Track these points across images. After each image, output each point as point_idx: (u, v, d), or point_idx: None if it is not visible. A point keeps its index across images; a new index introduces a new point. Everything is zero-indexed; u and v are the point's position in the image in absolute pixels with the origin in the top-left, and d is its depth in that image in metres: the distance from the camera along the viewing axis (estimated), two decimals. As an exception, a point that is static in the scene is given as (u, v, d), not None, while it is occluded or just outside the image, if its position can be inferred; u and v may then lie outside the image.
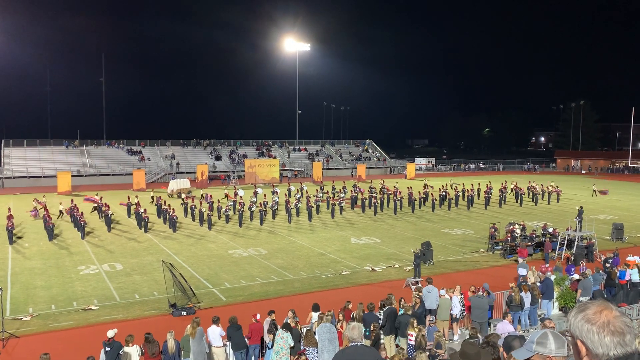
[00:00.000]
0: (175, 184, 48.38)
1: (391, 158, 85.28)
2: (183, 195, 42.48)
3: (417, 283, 19.42)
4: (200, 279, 21.20)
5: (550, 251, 24.32)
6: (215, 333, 12.84)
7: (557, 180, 57.66)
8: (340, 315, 13.77)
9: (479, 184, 45.55)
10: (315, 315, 13.80)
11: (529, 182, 47.33)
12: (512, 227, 27.37)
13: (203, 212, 33.24)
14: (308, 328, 13.06)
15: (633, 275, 17.88)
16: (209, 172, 61.24)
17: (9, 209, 31.82)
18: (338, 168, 74.20)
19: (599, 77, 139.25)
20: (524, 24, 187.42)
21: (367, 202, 39.45)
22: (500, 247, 25.72)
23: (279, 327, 12.56)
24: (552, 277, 17.37)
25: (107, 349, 11.72)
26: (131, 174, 56.31)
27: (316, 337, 12.20)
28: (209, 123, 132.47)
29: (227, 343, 12.98)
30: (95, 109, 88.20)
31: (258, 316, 13.34)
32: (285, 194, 41.52)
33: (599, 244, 25.58)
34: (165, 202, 36.40)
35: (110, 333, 11.96)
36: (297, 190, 44.11)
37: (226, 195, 42.39)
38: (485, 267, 23.46)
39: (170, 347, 12.04)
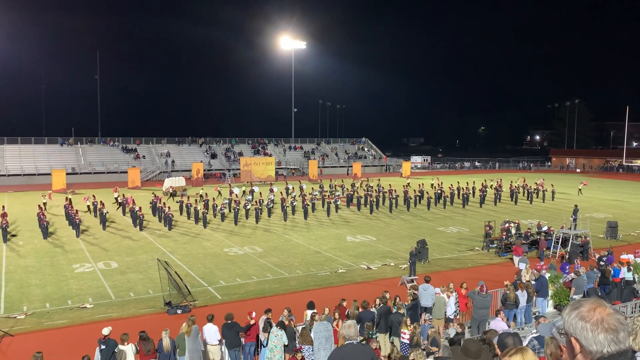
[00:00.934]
0: (170, 182, 48.26)
1: (387, 156, 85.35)
2: (178, 194, 42.37)
3: (412, 281, 19.46)
4: (195, 277, 21.17)
5: (545, 249, 24.43)
6: (211, 331, 12.83)
7: (553, 179, 57.88)
8: (336, 313, 13.78)
9: (473, 182, 45.71)
10: (310, 314, 13.80)
11: (523, 179, 47.49)
12: (507, 225, 27.47)
13: (198, 210, 33.19)
14: (303, 326, 13.06)
15: (627, 273, 17.96)
16: (205, 170, 61.12)
17: (3, 207, 31.67)
18: (334, 166, 74.20)
19: (594, 76, 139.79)
20: (519, 23, 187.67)
21: (362, 201, 39.48)
22: (495, 245, 25.80)
23: (273, 324, 12.56)
24: (547, 275, 17.44)
25: (102, 347, 11.69)
26: (126, 172, 56.17)
27: (312, 335, 12.21)
28: (205, 121, 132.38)
29: (223, 341, 12.97)
30: (90, 106, 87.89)
31: (253, 314, 13.32)
32: (282, 192, 41.49)
33: (593, 242, 25.68)
34: (160, 199, 36.33)
35: (106, 331, 11.93)
36: (293, 188, 44.10)
37: (219, 192, 42.44)
38: (480, 265, 23.53)
39: (166, 345, 12.03)
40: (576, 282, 16.77)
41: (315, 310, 13.67)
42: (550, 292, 17.13)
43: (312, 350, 12.07)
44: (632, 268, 18.42)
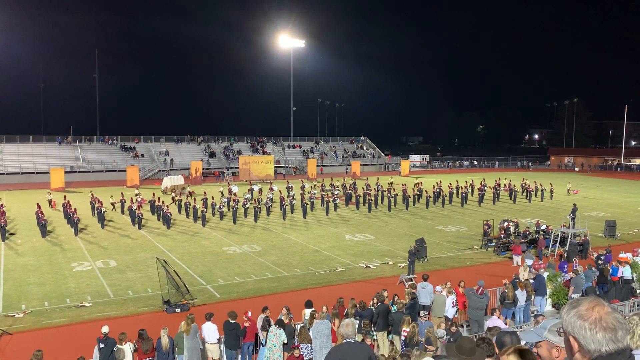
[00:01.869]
0: (169, 181, 48.25)
1: (385, 155, 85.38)
2: (174, 194, 42.25)
3: (410, 279, 19.48)
4: (194, 275, 21.17)
5: (543, 248, 24.45)
6: (210, 330, 12.83)
7: (551, 177, 57.93)
8: (334, 311, 13.79)
9: (472, 180, 45.71)
10: (309, 312, 13.81)
11: (523, 179, 47.51)
12: (505, 224, 27.49)
13: (197, 209, 33.18)
14: (302, 325, 13.07)
15: (625, 272, 17.99)
16: (203, 169, 61.09)
17: (2, 205, 31.64)
18: (332, 165, 74.21)
19: (593, 75, 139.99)
20: (519, 22, 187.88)
21: (361, 199, 39.48)
22: (494, 244, 25.82)
23: (272, 323, 12.56)
24: (545, 274, 17.47)
25: (101, 345, 11.69)
26: (125, 171, 56.13)
27: (311, 333, 12.21)
28: (203, 119, 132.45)
29: (222, 340, 12.96)
30: (89, 105, 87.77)
31: (249, 314, 13.31)
32: (280, 191, 41.43)
33: (592, 241, 25.71)
34: (159, 198, 36.32)
35: (105, 330, 11.93)
36: (292, 187, 44.06)
37: (222, 194, 42.43)
38: (479, 263, 23.55)
39: (164, 343, 12.02)
40: (575, 281, 16.79)
41: (314, 309, 13.67)
42: (548, 291, 17.15)
43: (311, 349, 12.07)
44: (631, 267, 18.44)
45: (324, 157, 75.85)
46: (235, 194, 38.72)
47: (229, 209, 35.36)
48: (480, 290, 14.69)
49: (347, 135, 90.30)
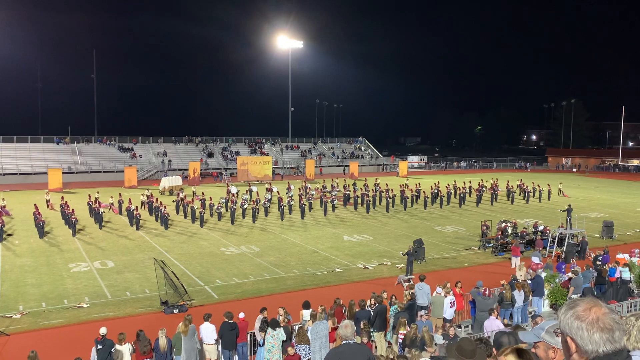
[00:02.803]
0: (167, 181, 48.19)
1: (383, 156, 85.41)
2: (175, 194, 42.29)
3: (409, 280, 19.49)
4: (192, 276, 21.15)
5: (541, 249, 24.47)
6: (208, 330, 12.82)
7: (549, 178, 58.00)
8: (330, 311, 13.78)
9: (470, 181, 45.72)
10: (306, 313, 13.80)
11: (520, 180, 47.54)
12: (503, 224, 27.52)
13: (195, 210, 33.15)
14: (300, 325, 13.06)
15: (624, 273, 18.03)
16: (201, 170, 61.01)
17: (4, 206, 31.56)
18: (331, 166, 74.17)
19: (590, 76, 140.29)
20: (516, 23, 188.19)
21: (359, 200, 39.48)
22: (492, 244, 25.84)
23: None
24: (543, 275, 17.49)
25: (99, 346, 11.67)
26: (122, 171, 56.03)
27: (308, 334, 12.21)
28: (201, 120, 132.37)
29: (219, 340, 12.95)
30: (87, 105, 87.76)
31: (241, 315, 13.28)
32: (278, 192, 41.40)
33: (589, 241, 25.74)
34: (157, 199, 36.27)
35: (103, 331, 11.91)
36: (290, 188, 44.01)
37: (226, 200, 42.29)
38: (477, 264, 23.58)
39: (162, 344, 12.01)
40: (575, 281, 16.84)
41: (313, 310, 13.65)
42: (546, 292, 17.18)
43: (309, 350, 12.07)
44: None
45: (322, 157, 75.85)
46: (233, 195, 38.67)
47: (227, 210, 35.33)
48: (487, 293, 14.69)
49: (345, 135, 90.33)
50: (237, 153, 70.06)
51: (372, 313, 13.87)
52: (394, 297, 14.74)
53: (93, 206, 33.56)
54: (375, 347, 13.55)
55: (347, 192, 41.37)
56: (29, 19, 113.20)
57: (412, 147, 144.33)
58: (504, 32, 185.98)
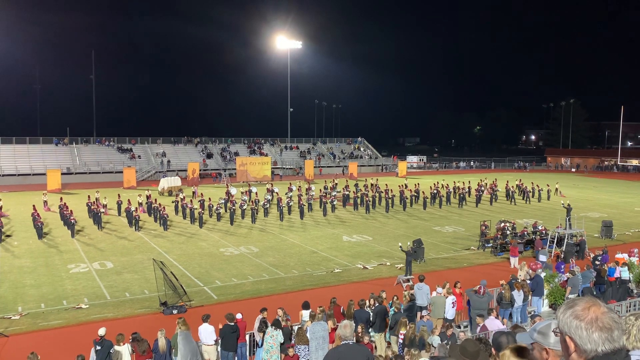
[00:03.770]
0: (166, 182, 48.17)
1: (382, 156, 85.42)
2: (174, 194, 42.25)
3: (408, 280, 19.49)
4: (191, 277, 21.13)
5: (540, 249, 24.46)
6: (207, 331, 12.80)
7: (548, 178, 58.02)
8: (329, 312, 13.77)
9: (469, 182, 45.74)
10: (306, 314, 13.79)
11: (519, 180, 47.53)
12: (502, 224, 27.53)
13: (194, 210, 33.12)
14: (299, 326, 13.05)
15: (623, 273, 18.04)
16: (200, 170, 61.00)
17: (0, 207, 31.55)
18: (330, 166, 74.19)
19: (589, 76, 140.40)
20: (515, 23, 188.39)
21: (359, 200, 39.46)
22: (491, 244, 25.85)
23: (269, 325, 12.54)
24: (542, 275, 17.50)
25: (98, 347, 11.66)
26: (121, 172, 56.00)
27: (307, 335, 12.20)
28: (200, 121, 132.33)
29: (219, 341, 12.93)
30: (85, 106, 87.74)
31: (238, 315, 13.26)
32: (277, 193, 41.37)
33: (588, 241, 25.77)
34: (156, 200, 36.24)
35: (102, 331, 11.90)
36: (290, 189, 44.00)
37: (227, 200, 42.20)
38: (476, 264, 23.58)
39: (161, 345, 11.99)
40: (572, 281, 16.84)
41: (311, 311, 13.64)
42: (545, 292, 17.19)
43: (308, 350, 12.06)
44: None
45: (321, 158, 75.86)
46: (232, 196, 38.65)
47: (226, 210, 35.32)
48: (482, 291, 14.70)
49: (344, 136, 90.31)
50: (236, 154, 70.05)
51: (370, 313, 13.87)
52: (395, 298, 14.68)
53: (92, 207, 33.52)
54: (375, 348, 13.54)
55: (347, 193, 41.35)
56: (28, 20, 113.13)
57: (411, 147, 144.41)
58: (503, 32, 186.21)
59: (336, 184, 46.76)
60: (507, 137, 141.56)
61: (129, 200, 35.08)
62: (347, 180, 51.98)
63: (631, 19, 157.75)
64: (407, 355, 9.72)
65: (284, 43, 76.90)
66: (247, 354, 13.36)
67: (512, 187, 44.48)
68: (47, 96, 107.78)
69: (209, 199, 37.19)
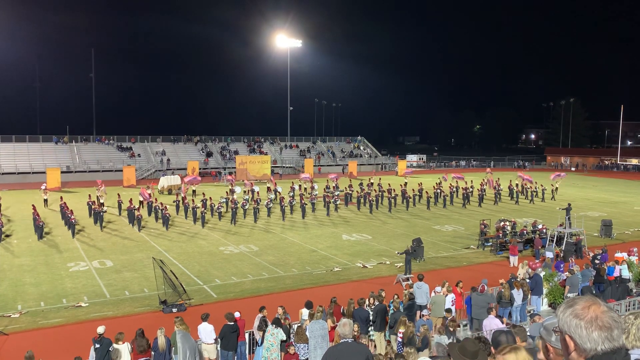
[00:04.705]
0: (165, 181, 48.14)
1: (382, 155, 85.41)
2: (174, 193, 42.23)
3: (407, 279, 19.49)
4: (190, 275, 21.14)
5: (540, 248, 24.48)
6: (207, 330, 12.80)
7: (547, 178, 57.96)
8: (329, 311, 13.77)
9: (472, 181, 45.67)
10: (306, 312, 13.79)
11: (520, 178, 47.46)
12: (502, 223, 27.54)
13: (196, 209, 33.07)
14: (299, 324, 13.05)
15: (623, 271, 18.05)
16: (200, 169, 60.99)
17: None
18: (329, 165, 74.19)
19: (589, 75, 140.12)
20: (515, 22, 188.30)
21: (362, 200, 39.33)
22: (491, 243, 25.86)
23: (269, 323, 12.54)
24: (542, 274, 17.50)
25: (97, 345, 11.66)
26: (121, 170, 56.00)
27: (307, 333, 12.20)
28: (200, 119, 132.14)
29: (218, 340, 12.93)
30: (85, 105, 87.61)
31: (237, 314, 13.26)
32: (279, 192, 41.33)
33: (588, 240, 25.79)
34: (156, 199, 36.22)
35: (100, 329, 11.89)
36: (292, 188, 43.96)
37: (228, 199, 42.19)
38: (476, 263, 23.59)
39: (161, 343, 11.99)
40: (570, 280, 16.84)
41: (311, 310, 13.64)
42: (544, 291, 17.20)
43: (308, 349, 12.06)
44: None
45: (321, 157, 75.85)
46: (234, 194, 38.64)
47: (227, 210, 35.29)
48: (481, 288, 14.70)
49: (344, 135, 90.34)
50: (236, 152, 70.06)
51: (370, 312, 13.87)
52: (395, 297, 14.67)
53: (93, 207, 33.48)
54: (375, 346, 13.55)
55: (349, 192, 41.25)
56: (27, 18, 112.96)
57: (411, 146, 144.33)
58: (502, 32, 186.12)
59: (337, 185, 46.64)
60: (506, 136, 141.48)
61: (130, 199, 35.05)
62: (350, 180, 51.90)
63: (631, 18, 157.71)
64: (405, 354, 9.71)
65: (284, 42, 76.84)
66: (247, 352, 13.36)
67: (517, 185, 44.30)
68: (47, 94, 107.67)
69: (210, 198, 37.19)
